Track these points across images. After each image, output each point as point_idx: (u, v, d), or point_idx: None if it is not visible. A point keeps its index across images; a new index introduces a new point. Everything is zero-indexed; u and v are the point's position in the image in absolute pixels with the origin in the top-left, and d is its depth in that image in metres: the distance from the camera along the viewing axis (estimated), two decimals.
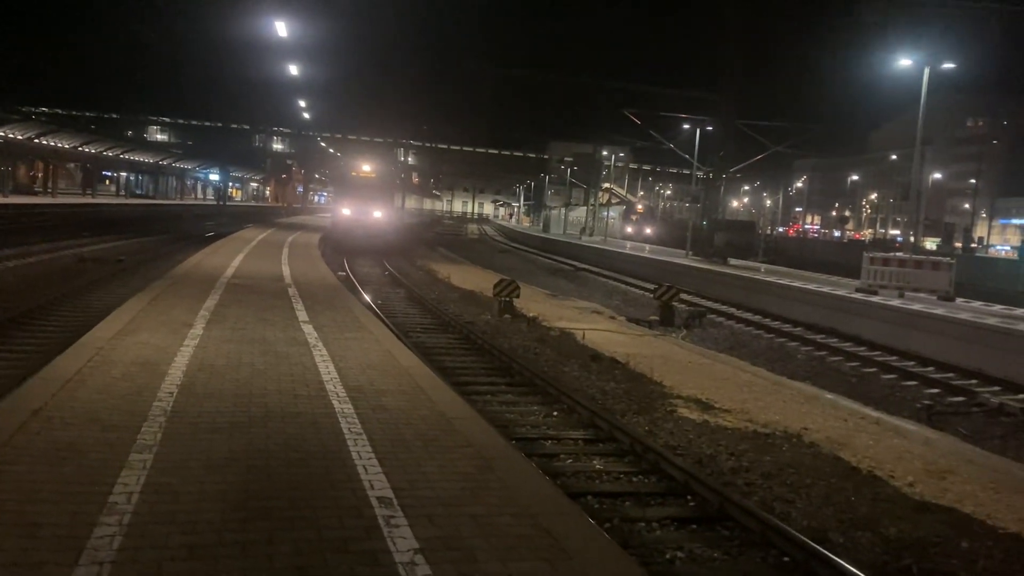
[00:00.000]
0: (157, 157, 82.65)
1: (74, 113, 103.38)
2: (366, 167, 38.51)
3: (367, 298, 19.09)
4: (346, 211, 36.79)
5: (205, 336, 9.80)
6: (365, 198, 36.53)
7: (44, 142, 54.53)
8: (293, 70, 38.35)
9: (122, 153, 69.78)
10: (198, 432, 6.04)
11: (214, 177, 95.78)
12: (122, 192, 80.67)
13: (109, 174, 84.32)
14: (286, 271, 19.00)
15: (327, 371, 8.42)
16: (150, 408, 6.54)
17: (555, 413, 10.13)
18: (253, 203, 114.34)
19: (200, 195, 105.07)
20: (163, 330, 9.95)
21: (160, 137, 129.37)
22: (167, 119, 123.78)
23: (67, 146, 59.15)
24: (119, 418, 6.21)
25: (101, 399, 6.69)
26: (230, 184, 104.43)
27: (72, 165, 74.08)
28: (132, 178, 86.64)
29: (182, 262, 20.07)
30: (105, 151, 65.53)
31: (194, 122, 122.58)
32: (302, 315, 12.20)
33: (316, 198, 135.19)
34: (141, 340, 9.21)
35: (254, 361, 8.65)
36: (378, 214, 36.69)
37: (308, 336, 10.41)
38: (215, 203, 79.54)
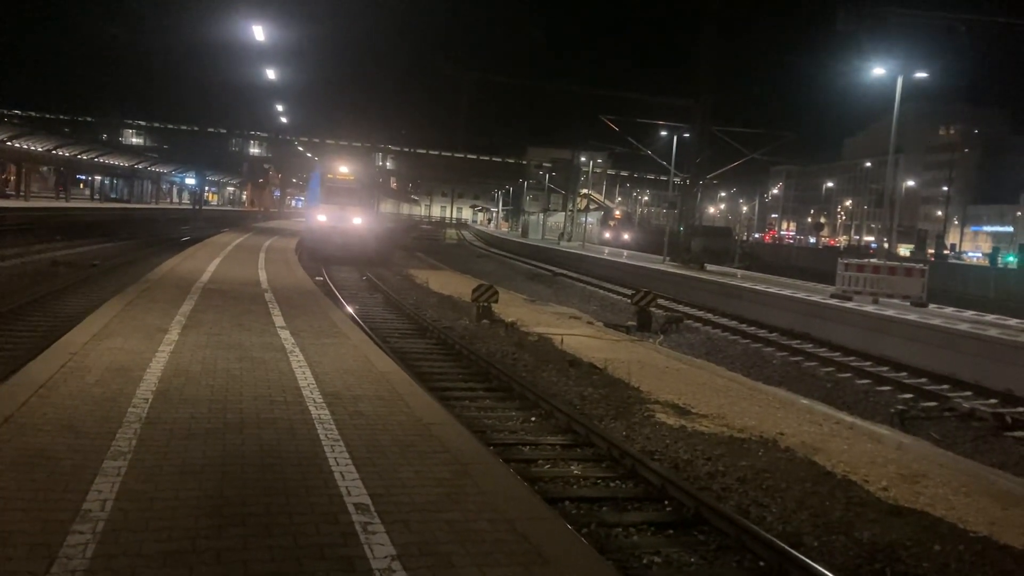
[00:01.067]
0: (132, 161, 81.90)
1: (48, 116, 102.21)
2: (343, 168, 34.63)
3: (344, 303, 19.02)
4: (321, 217, 32.98)
5: (180, 342, 9.73)
6: (343, 203, 32.83)
7: (17, 145, 53.90)
8: (270, 74, 38.22)
9: (97, 157, 69.10)
10: (173, 438, 6.00)
11: (190, 181, 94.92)
12: (96, 196, 79.84)
13: (83, 177, 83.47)
14: (263, 276, 18.90)
15: (304, 377, 8.39)
16: (125, 414, 6.48)
17: (533, 418, 10.14)
18: (230, 207, 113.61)
19: (176, 199, 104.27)
20: (138, 335, 9.86)
21: (136, 141, 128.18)
22: (143, 123, 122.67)
23: (40, 149, 58.51)
24: (93, 424, 6.15)
25: (74, 405, 6.62)
26: (206, 188, 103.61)
27: (45, 168, 73.26)
28: (107, 182, 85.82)
29: (157, 266, 19.92)
30: (79, 154, 64.87)
31: (170, 126, 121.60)
32: (279, 320, 12.14)
33: (293, 202, 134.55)
34: (115, 345, 9.13)
35: (230, 367, 8.59)
36: (358, 221, 33.11)
37: (285, 342, 10.37)
38: (191, 207, 78.90)
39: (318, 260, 29.94)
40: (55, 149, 60.44)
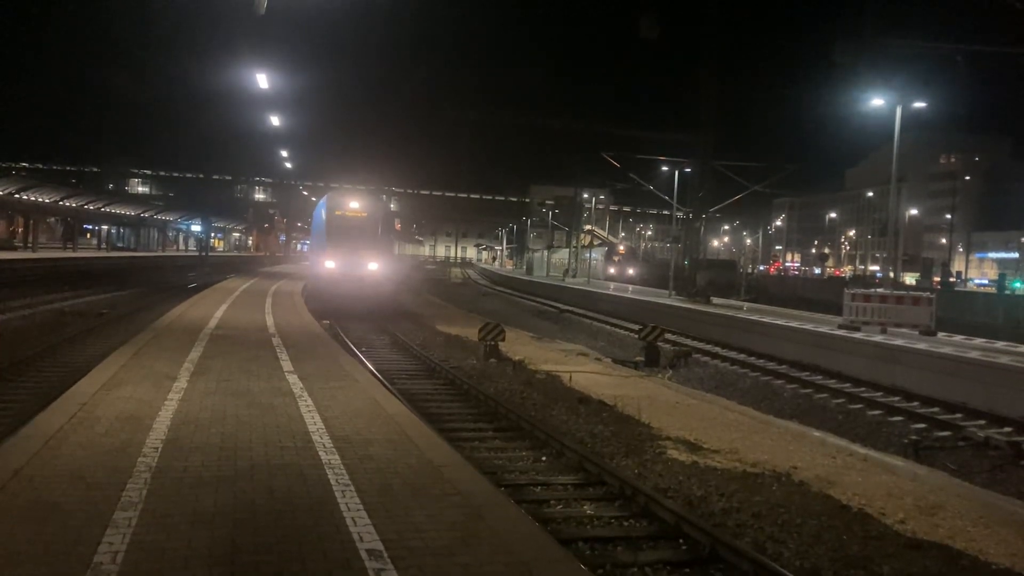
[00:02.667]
0: (138, 209, 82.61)
1: (55, 167, 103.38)
2: (354, 203, 28.75)
3: (351, 345, 19.01)
4: (329, 263, 27.42)
5: (189, 389, 9.72)
6: (355, 245, 27.37)
7: (25, 197, 54.43)
8: (274, 120, 38.58)
9: (103, 206, 69.74)
10: (183, 487, 5.97)
11: (196, 228, 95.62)
12: (103, 245, 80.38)
13: (90, 227, 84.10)
14: (270, 320, 18.92)
15: (313, 421, 8.36)
16: (135, 464, 6.46)
17: (544, 458, 10.07)
18: (235, 253, 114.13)
19: (182, 246, 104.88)
20: (147, 384, 9.86)
21: (142, 189, 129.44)
22: (148, 172, 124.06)
23: (48, 200, 59.08)
24: (103, 475, 6.13)
25: (85, 456, 6.60)
26: (212, 234, 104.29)
27: (53, 219, 73.87)
28: (113, 231, 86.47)
29: (165, 314, 19.96)
30: (86, 204, 65.48)
31: (175, 174, 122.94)
32: (287, 365, 12.13)
33: (299, 246, 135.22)
34: (125, 394, 9.12)
35: (239, 413, 8.57)
36: (374, 266, 27.64)
37: (293, 386, 10.35)
38: (197, 254, 79.33)
39: (328, 315, 24.39)
40: (62, 200, 61.03)
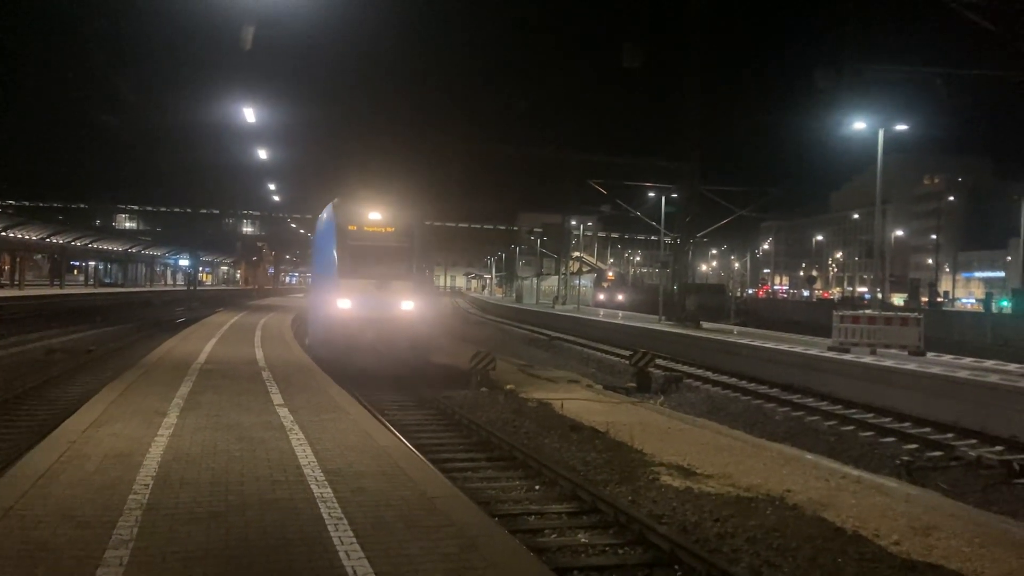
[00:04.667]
0: (126, 245, 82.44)
1: (41, 204, 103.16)
2: (378, 215, 19.87)
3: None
4: (343, 303, 18.84)
5: (179, 424, 9.67)
6: (381, 275, 19.05)
7: (11, 235, 54.26)
8: (262, 154, 38.68)
9: (90, 243, 69.60)
10: (175, 524, 5.93)
11: (184, 262, 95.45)
12: (91, 281, 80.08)
13: (77, 264, 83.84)
14: (259, 354, 18.85)
15: (304, 455, 8.32)
16: (125, 501, 6.41)
17: (537, 487, 10.04)
18: (224, 286, 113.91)
19: (170, 281, 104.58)
20: (136, 420, 9.80)
21: (129, 225, 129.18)
22: (135, 207, 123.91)
23: (35, 238, 58.92)
24: (94, 513, 6.08)
25: (75, 495, 6.55)
26: (200, 268, 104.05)
27: (40, 256, 73.63)
28: (101, 267, 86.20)
29: (153, 350, 19.86)
30: (73, 241, 65.33)
31: (163, 208, 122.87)
32: (277, 398, 12.08)
33: (287, 279, 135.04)
34: (114, 431, 9.06)
35: (230, 448, 8.53)
36: (407, 305, 19.16)
37: (284, 419, 10.30)
38: (185, 288, 79.08)
39: (343, 379, 15.33)
40: (49, 237, 60.89)
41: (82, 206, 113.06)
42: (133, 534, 5.65)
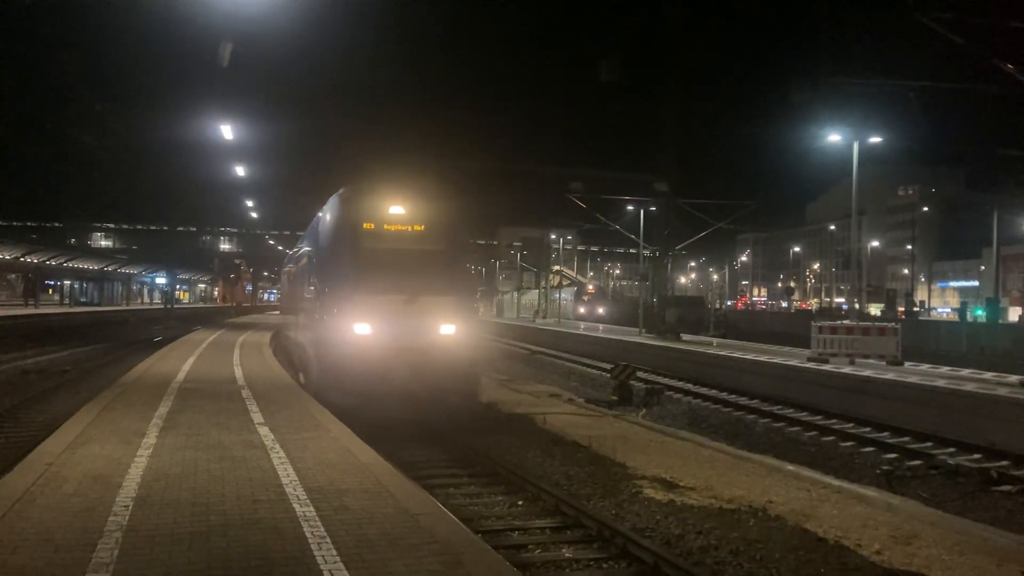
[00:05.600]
0: (102, 263, 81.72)
1: (15, 223, 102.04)
2: (402, 209, 15.30)
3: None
4: (360, 328, 14.30)
5: (159, 444, 9.57)
6: (412, 289, 14.48)
7: None
8: (239, 171, 38.50)
9: (65, 261, 68.95)
10: (156, 545, 5.86)
11: (161, 281, 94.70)
12: (66, 300, 79.22)
13: (52, 283, 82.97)
14: (238, 372, 18.71)
15: (286, 473, 8.26)
16: (105, 523, 6.33)
17: (520, 502, 10.02)
18: (201, 304, 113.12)
19: (147, 299, 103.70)
20: (115, 440, 9.69)
21: (105, 243, 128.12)
22: (112, 225, 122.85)
23: (8, 257, 58.29)
24: (73, 536, 6.00)
25: (53, 518, 6.46)
26: (177, 286, 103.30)
27: (13, 276, 72.82)
28: (76, 286, 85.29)
29: (131, 369, 19.66)
30: (48, 260, 64.67)
31: (139, 226, 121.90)
32: (257, 417, 11.98)
33: (266, 296, 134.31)
34: (93, 452, 8.95)
35: (210, 467, 8.45)
36: (448, 329, 14.70)
37: (264, 438, 10.22)
38: (162, 306, 78.43)
39: (361, 430, 11.27)
40: (23, 256, 60.24)
41: (57, 225, 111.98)
42: (113, 556, 5.58)
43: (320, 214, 16.85)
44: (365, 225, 14.82)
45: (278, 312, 39.35)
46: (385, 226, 14.91)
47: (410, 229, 15.03)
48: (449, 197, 15.83)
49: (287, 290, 28.85)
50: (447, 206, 15.56)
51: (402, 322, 14.07)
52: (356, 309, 14.16)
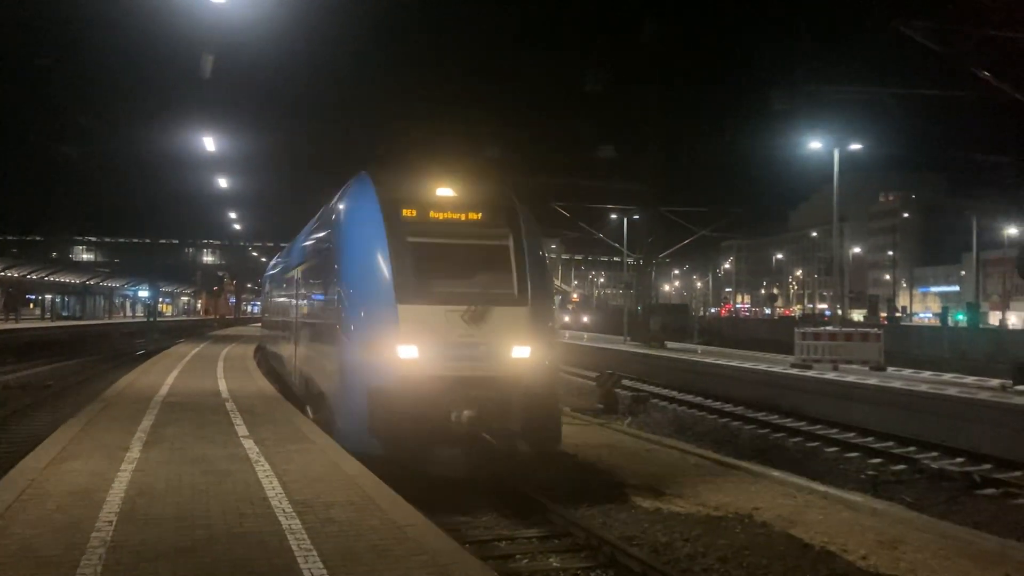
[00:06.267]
0: (84, 277, 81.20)
1: None
2: (452, 191, 11.72)
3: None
4: (407, 351, 10.47)
5: (143, 459, 9.49)
6: (471, 296, 10.77)
7: None
8: (222, 182, 38.38)
9: (47, 275, 68.42)
10: (141, 561, 5.81)
11: (143, 294, 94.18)
12: (48, 314, 78.59)
13: (33, 297, 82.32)
14: (222, 385, 18.60)
15: (271, 486, 8.21)
16: (88, 540, 6.27)
17: (507, 513, 9.99)
18: (184, 317, 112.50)
19: (130, 312, 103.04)
20: (98, 455, 9.60)
21: (87, 256, 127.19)
22: (93, 238, 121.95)
23: None
24: (56, 553, 5.94)
25: (36, 534, 6.39)
26: (160, 299, 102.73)
27: None
28: (58, 299, 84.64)
29: (114, 383, 19.51)
30: (29, 274, 64.17)
31: (121, 239, 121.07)
32: (242, 430, 11.91)
33: (249, 308, 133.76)
34: (76, 468, 8.87)
35: (195, 482, 8.39)
36: (522, 352, 10.75)
37: (249, 451, 10.16)
38: (145, 320, 77.92)
39: (407, 488, 8.35)
40: (3, 271, 59.75)
41: (38, 238, 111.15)
42: (97, 572, 5.53)
43: (334, 203, 13.14)
44: (405, 213, 11.28)
45: (260, 325, 34.72)
46: (432, 213, 11.43)
47: (464, 217, 11.58)
48: (505, 182, 12.67)
49: (273, 301, 25.87)
50: (508, 190, 12.31)
51: (460, 343, 10.50)
52: (399, 326, 10.47)
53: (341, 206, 12.40)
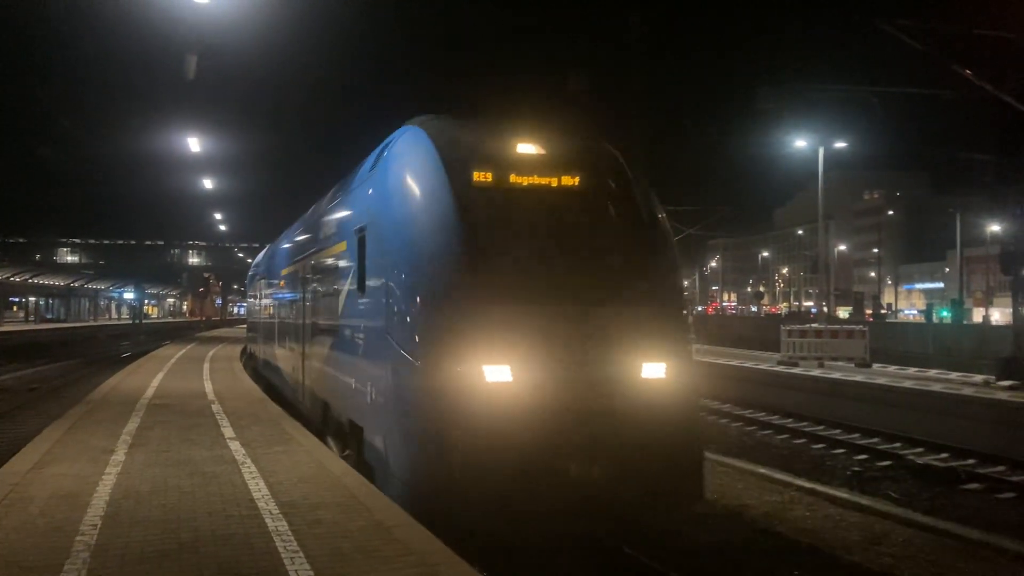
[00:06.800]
0: (68, 279, 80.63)
1: None
2: (533, 147, 8.77)
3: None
4: (496, 372, 7.42)
5: (128, 461, 9.44)
6: (581, 294, 7.84)
7: None
8: (207, 183, 38.18)
9: (30, 278, 67.92)
10: (125, 564, 5.77)
11: (129, 295, 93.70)
12: (31, 317, 78.05)
13: (17, 299, 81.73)
14: (208, 387, 18.53)
15: (258, 488, 8.18)
16: (73, 543, 6.23)
17: None
18: (170, 319, 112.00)
19: (115, 314, 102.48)
20: (83, 458, 9.54)
21: (71, 258, 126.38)
22: (78, 240, 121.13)
23: None
24: (39, 557, 5.89)
25: (19, 539, 6.35)
26: (146, 301, 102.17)
27: None
28: (42, 302, 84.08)
29: (99, 386, 19.39)
30: (11, 277, 63.68)
31: (106, 241, 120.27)
32: (228, 431, 11.86)
33: (236, 309, 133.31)
34: (60, 471, 8.81)
35: (181, 484, 8.35)
36: (655, 369, 7.80)
37: (236, 453, 10.12)
38: (131, 322, 77.47)
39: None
40: None
41: (21, 240, 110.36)
42: None
43: (369, 169, 10.05)
44: (477, 177, 8.41)
45: (247, 328, 31.67)
46: (512, 178, 8.49)
47: (557, 183, 8.58)
48: (599, 138, 9.73)
49: (266, 300, 21.91)
50: (606, 149, 9.45)
51: (570, 359, 7.59)
52: (484, 335, 7.50)
53: (387, 171, 9.09)
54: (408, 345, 7.83)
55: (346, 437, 10.18)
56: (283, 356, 17.45)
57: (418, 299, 7.92)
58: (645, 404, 7.57)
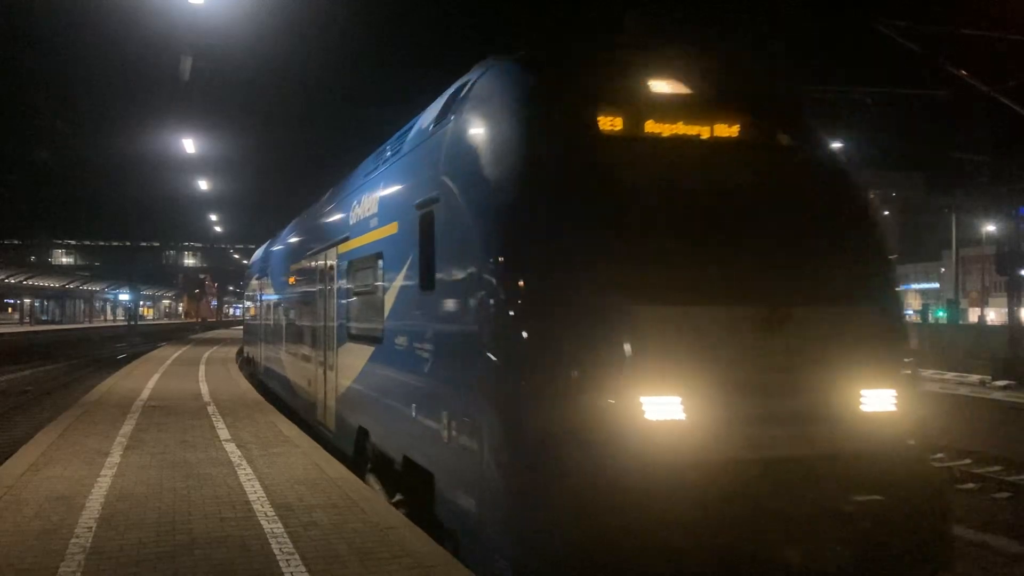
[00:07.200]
0: (63, 281, 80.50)
1: None
2: (679, 81, 6.28)
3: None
4: (662, 407, 4.99)
5: (123, 464, 9.43)
6: (767, 289, 5.45)
7: None
8: (203, 185, 38.11)
9: (25, 280, 67.81)
10: (120, 567, 5.76)
11: (124, 297, 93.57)
12: (26, 319, 77.91)
13: (12, 301, 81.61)
14: (204, 389, 18.51)
15: (253, 490, 8.17)
16: (67, 546, 6.22)
17: None
18: (166, 320, 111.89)
19: (110, 316, 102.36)
20: (78, 461, 9.53)
21: (66, 260, 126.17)
22: (73, 241, 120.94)
23: None
24: (33, 560, 5.88)
25: (13, 542, 6.33)
26: (141, 302, 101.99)
27: None
28: (37, 303, 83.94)
29: (94, 388, 19.37)
30: (6, 278, 63.58)
31: (101, 242, 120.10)
32: (223, 433, 11.86)
33: (231, 310, 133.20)
34: (54, 474, 8.80)
35: (176, 486, 8.34)
36: (883, 401, 5.42)
37: (231, 455, 10.11)
38: (126, 323, 77.32)
39: None
40: None
41: (16, 242, 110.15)
42: None
43: (428, 124, 7.77)
44: (603, 125, 5.98)
45: (244, 331, 29.92)
46: (651, 125, 6.05)
47: (711, 133, 6.17)
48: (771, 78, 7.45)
49: (274, 299, 19.20)
50: (778, 90, 7.21)
51: (761, 383, 5.34)
52: (639, 349, 5.18)
53: (469, 121, 6.63)
54: (522, 365, 5.34)
55: (397, 478, 7.91)
56: (295, 365, 15.19)
57: (543, 301, 5.40)
58: (870, 450, 5.33)
